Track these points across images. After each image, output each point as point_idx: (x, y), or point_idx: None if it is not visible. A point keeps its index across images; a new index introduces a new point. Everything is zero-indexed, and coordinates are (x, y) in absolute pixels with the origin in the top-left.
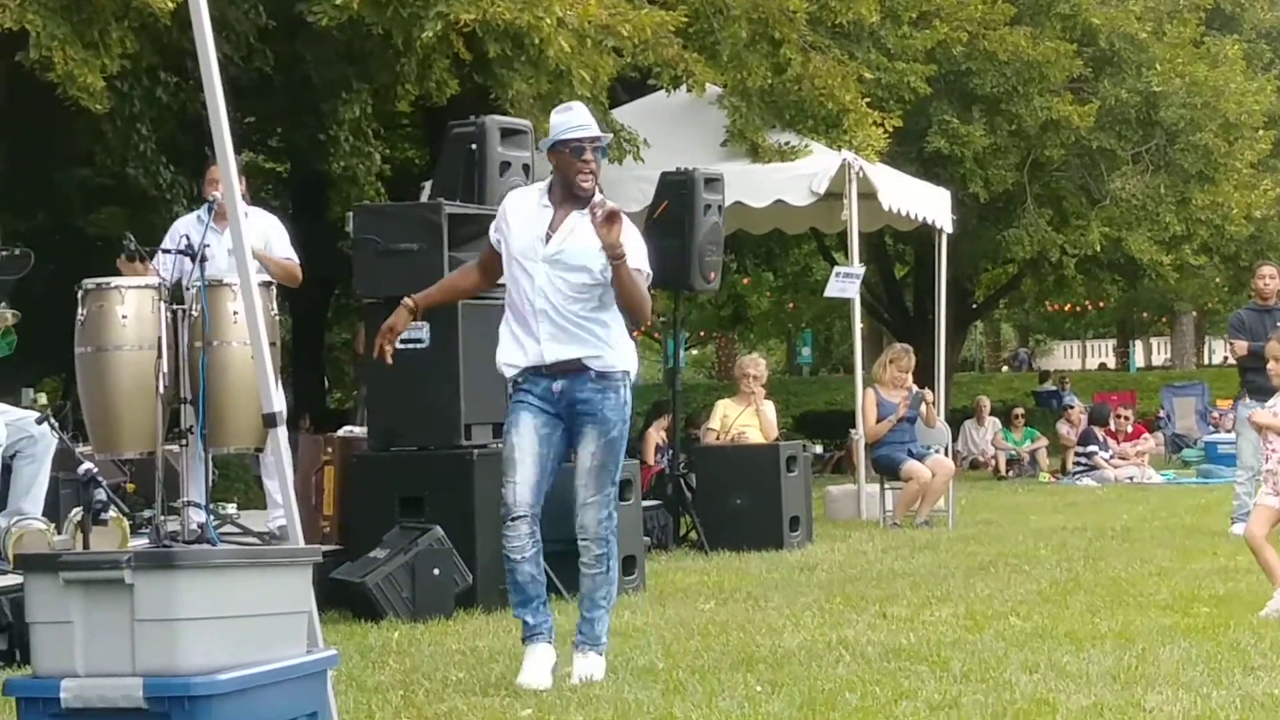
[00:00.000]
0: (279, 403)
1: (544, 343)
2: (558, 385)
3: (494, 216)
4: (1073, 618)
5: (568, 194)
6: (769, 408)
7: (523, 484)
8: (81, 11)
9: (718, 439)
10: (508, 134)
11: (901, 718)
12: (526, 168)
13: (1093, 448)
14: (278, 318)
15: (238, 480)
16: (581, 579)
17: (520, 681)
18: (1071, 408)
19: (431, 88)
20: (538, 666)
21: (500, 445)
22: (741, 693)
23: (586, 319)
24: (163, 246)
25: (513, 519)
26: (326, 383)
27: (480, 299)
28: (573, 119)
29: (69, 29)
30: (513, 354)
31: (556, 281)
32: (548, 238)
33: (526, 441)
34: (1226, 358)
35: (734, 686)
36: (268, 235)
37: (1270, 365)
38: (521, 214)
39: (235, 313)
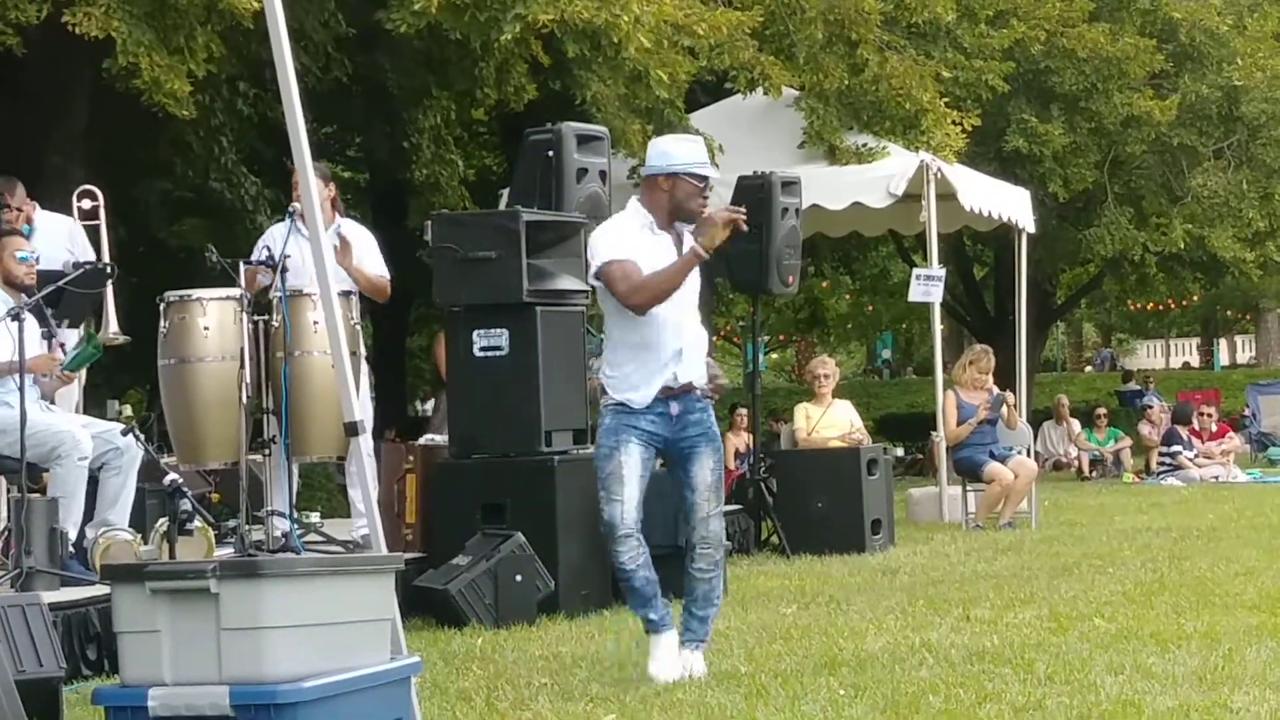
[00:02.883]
0: (360, 411)
1: (679, 365)
2: (675, 407)
3: (573, 223)
4: (1158, 619)
5: (672, 219)
6: (845, 406)
7: (629, 503)
8: (166, 17)
9: (808, 436)
10: (584, 140)
11: None
12: (603, 174)
13: (1177, 447)
14: (358, 326)
15: (321, 490)
16: (697, 583)
17: (653, 673)
18: (1151, 407)
19: (509, 93)
20: (668, 656)
21: (583, 452)
22: (824, 696)
23: (699, 338)
24: (250, 259)
25: (621, 536)
26: (408, 392)
27: (558, 305)
28: (702, 153)
29: (154, 35)
30: (641, 386)
31: (683, 304)
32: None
33: (635, 463)
34: None
35: (816, 690)
36: (360, 250)
37: None
38: (638, 244)
39: (316, 322)
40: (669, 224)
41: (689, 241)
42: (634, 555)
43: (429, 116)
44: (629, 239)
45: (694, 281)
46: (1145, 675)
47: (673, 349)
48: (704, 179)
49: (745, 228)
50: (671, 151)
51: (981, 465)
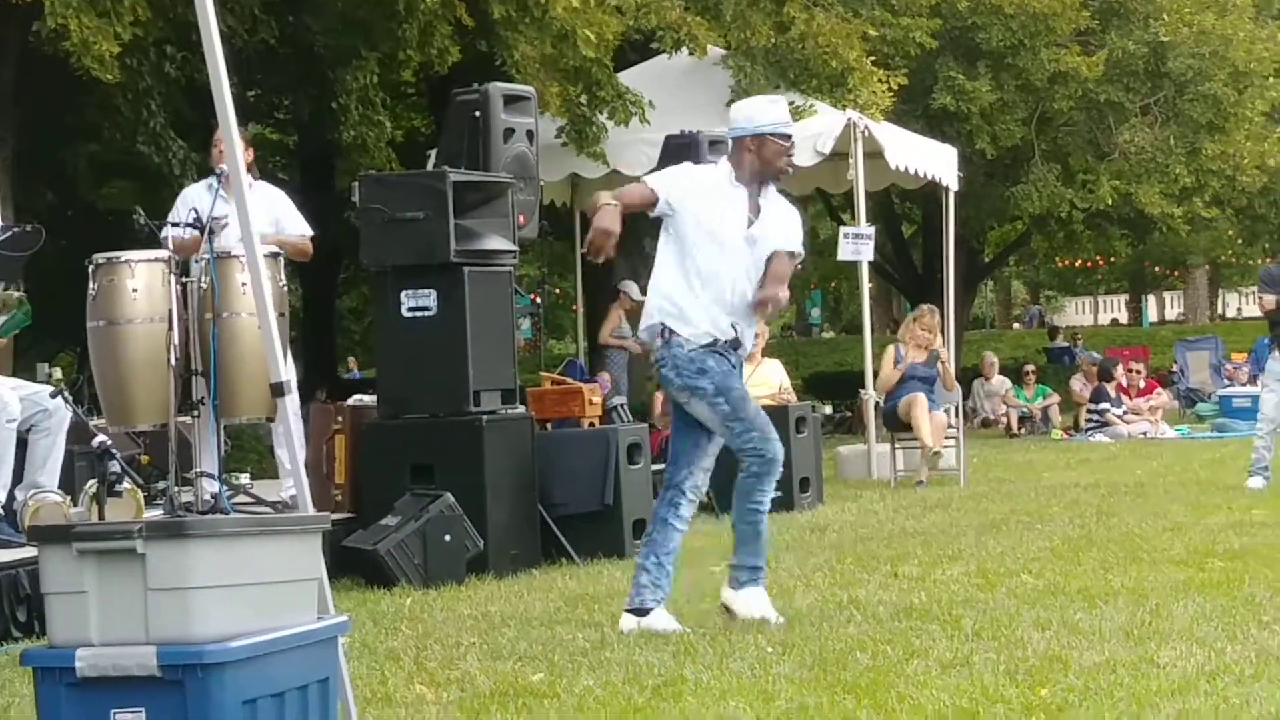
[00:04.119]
0: (286, 372)
1: (735, 317)
2: (732, 359)
3: (500, 183)
4: (1085, 574)
5: (754, 178)
6: (774, 366)
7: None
8: None
9: None
10: (511, 100)
11: (913, 677)
12: (530, 134)
13: (1105, 405)
14: (285, 288)
15: (251, 450)
16: (673, 534)
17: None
18: (1088, 361)
19: (433, 55)
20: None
21: (511, 411)
22: (753, 654)
23: (747, 304)
24: (171, 219)
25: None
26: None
27: (485, 265)
28: (785, 113)
29: None
30: (719, 321)
31: (748, 261)
32: (750, 220)
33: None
34: (1242, 309)
35: (745, 648)
36: (275, 211)
37: None
38: (710, 189)
39: (244, 284)
40: (751, 183)
41: (769, 206)
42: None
43: (356, 78)
44: (688, 189)
45: (750, 253)
46: (1072, 631)
47: (730, 301)
48: (788, 137)
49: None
50: (756, 115)
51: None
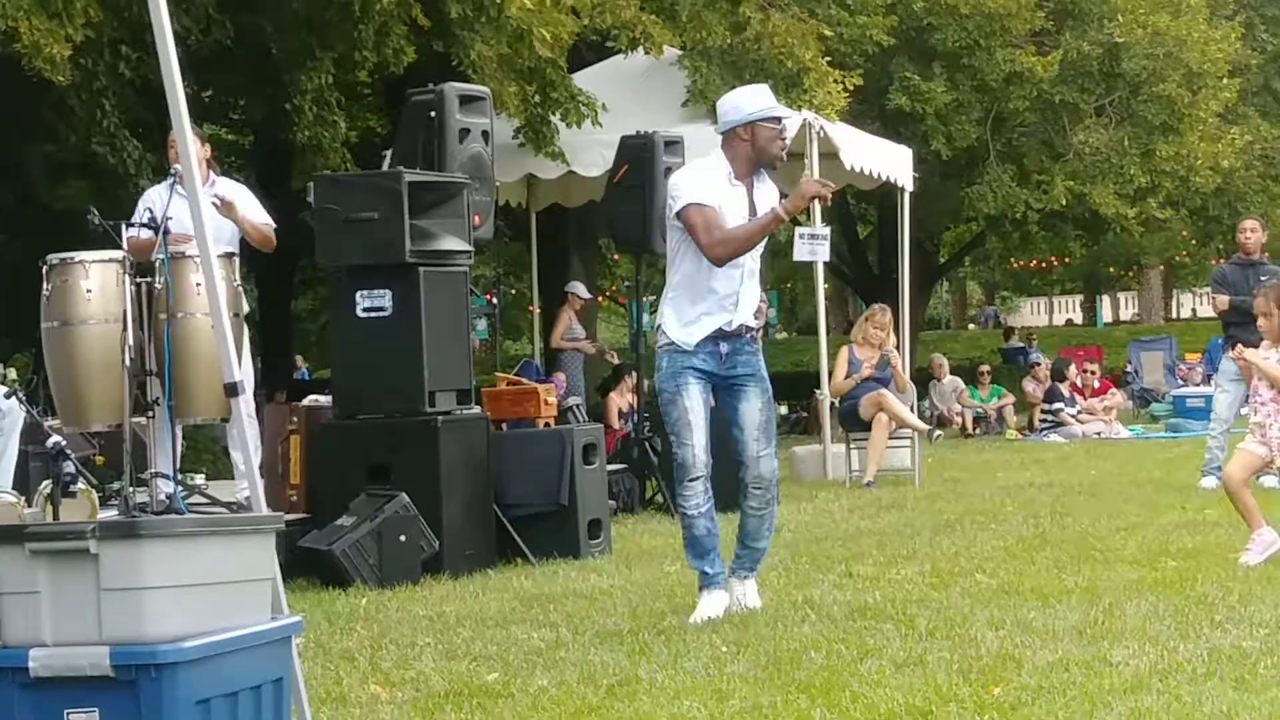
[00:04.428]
0: (239, 373)
1: (736, 310)
2: (725, 347)
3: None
4: (1039, 574)
5: (750, 167)
6: None
7: (699, 446)
8: None
9: None
10: (466, 100)
11: (867, 676)
12: (486, 134)
13: (1058, 405)
14: (240, 288)
15: (206, 451)
16: (749, 519)
17: (691, 621)
18: (1038, 364)
19: (389, 55)
20: (716, 609)
21: (467, 412)
22: (707, 653)
23: (755, 285)
24: (131, 220)
25: (691, 479)
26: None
27: (441, 265)
28: (770, 98)
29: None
30: (694, 326)
31: (750, 252)
32: (753, 212)
33: (698, 405)
34: (1196, 310)
35: (699, 647)
36: (240, 202)
37: (1260, 322)
38: (718, 191)
39: (198, 284)
40: (747, 174)
41: (763, 195)
42: (700, 501)
43: (311, 79)
44: (713, 186)
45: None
46: (1025, 630)
47: (733, 294)
48: (779, 120)
49: (829, 201)
50: (743, 104)
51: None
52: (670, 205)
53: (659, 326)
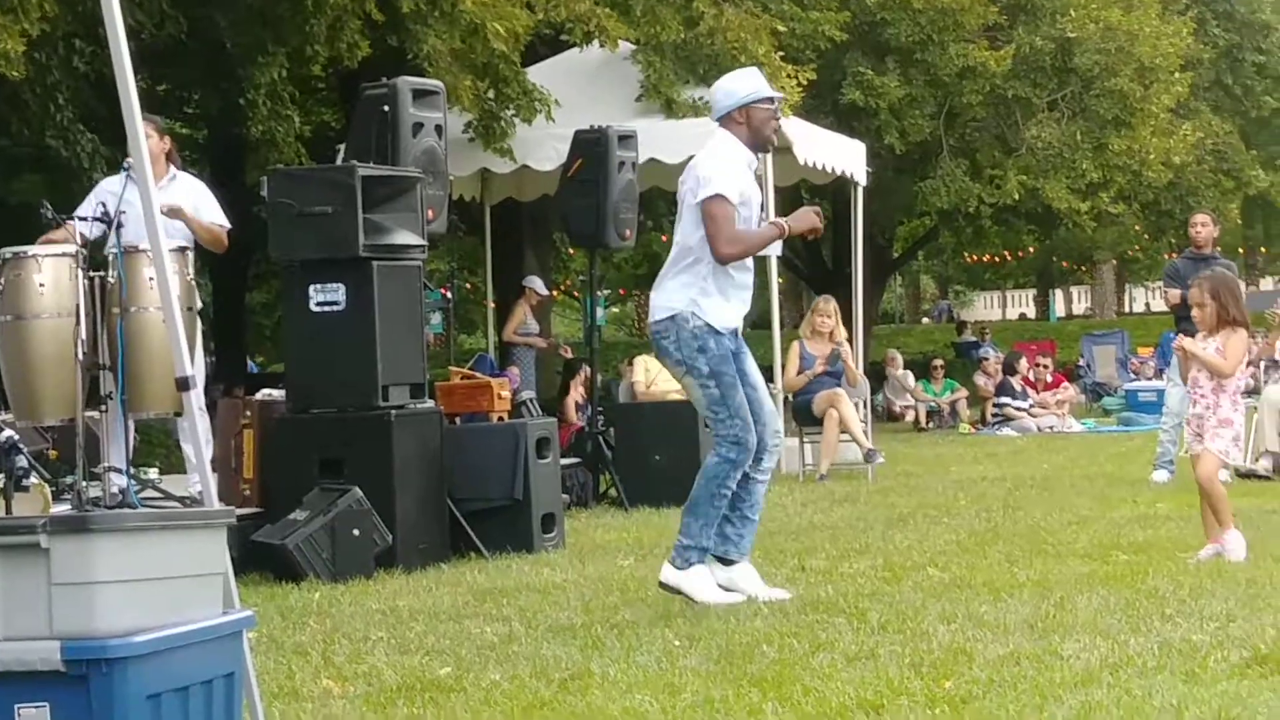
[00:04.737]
0: (191, 367)
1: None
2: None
3: (409, 177)
4: (991, 568)
5: (752, 148)
6: None
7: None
8: None
9: (646, 389)
10: (420, 95)
11: (818, 669)
12: (439, 128)
13: (1006, 399)
14: (194, 282)
15: (160, 445)
16: (757, 486)
17: (762, 595)
18: (987, 359)
19: (343, 49)
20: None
21: (420, 406)
22: (660, 648)
23: None
24: (78, 212)
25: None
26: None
27: (394, 259)
28: (760, 79)
29: None
30: (730, 311)
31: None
32: (761, 203)
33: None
34: (1149, 304)
35: (652, 642)
36: (197, 201)
37: (1194, 312)
38: (745, 182)
39: (152, 278)
40: (750, 150)
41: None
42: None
43: (264, 73)
44: (741, 178)
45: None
46: (977, 624)
47: (751, 283)
48: (772, 100)
49: (819, 235)
50: (736, 88)
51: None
52: (697, 188)
53: (678, 309)
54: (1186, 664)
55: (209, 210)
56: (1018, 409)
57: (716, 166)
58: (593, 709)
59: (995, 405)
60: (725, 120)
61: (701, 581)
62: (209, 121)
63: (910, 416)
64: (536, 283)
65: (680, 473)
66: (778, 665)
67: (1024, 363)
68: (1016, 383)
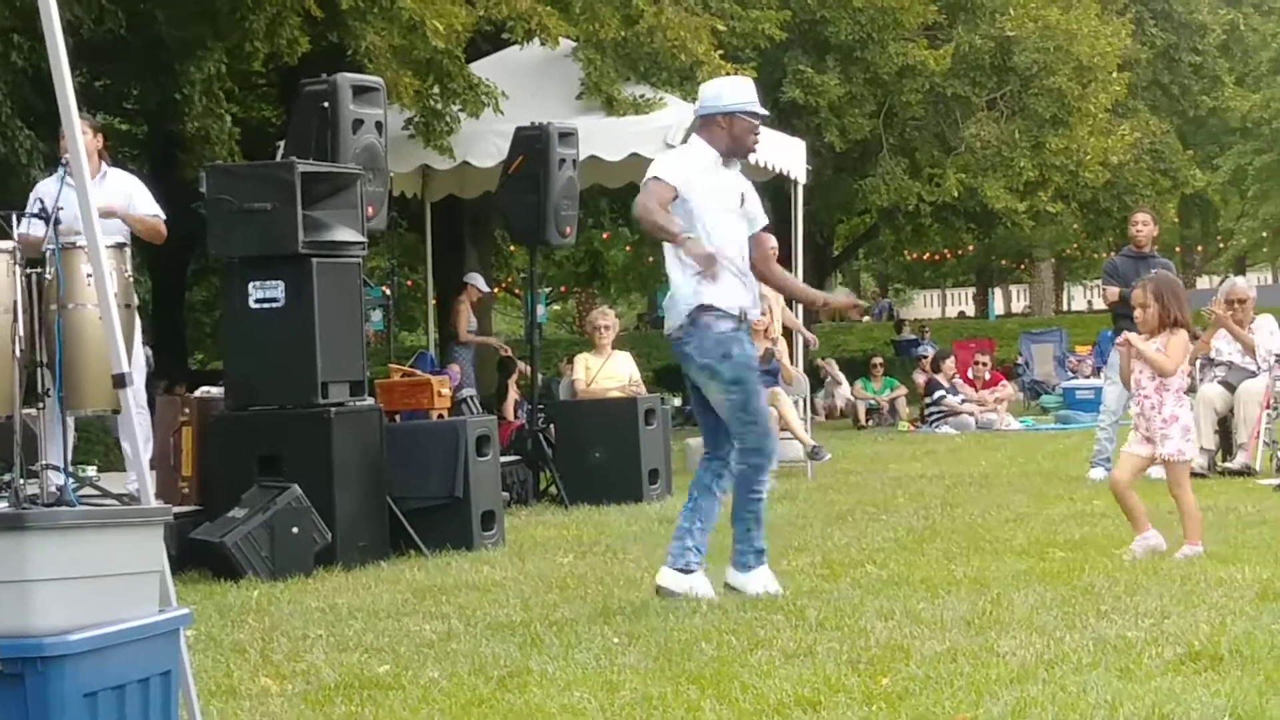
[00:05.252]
0: (128, 364)
1: (748, 286)
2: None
3: (349, 174)
4: (928, 565)
5: (728, 155)
6: (624, 358)
7: None
8: None
9: (587, 386)
10: (360, 91)
11: (756, 666)
12: (379, 125)
13: (940, 393)
14: (132, 279)
15: (98, 443)
16: (717, 505)
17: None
18: (926, 357)
19: (282, 45)
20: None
21: (360, 403)
22: (599, 645)
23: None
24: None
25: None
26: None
27: (334, 256)
28: (753, 93)
29: None
30: (740, 293)
31: (742, 236)
32: (742, 197)
33: None
34: (1092, 302)
35: (591, 639)
36: (131, 195)
37: (1136, 313)
38: (711, 172)
39: (89, 275)
40: (728, 157)
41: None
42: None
43: (200, 69)
44: (690, 170)
45: (744, 229)
46: (914, 620)
47: (743, 270)
48: (757, 116)
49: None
50: (726, 93)
51: None
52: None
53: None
54: (1121, 660)
55: (143, 202)
56: (956, 402)
57: (666, 157)
58: (531, 706)
59: (929, 403)
60: (707, 121)
61: (765, 579)
62: (148, 117)
63: (843, 406)
64: (478, 279)
65: (620, 470)
66: (716, 663)
67: (951, 361)
68: (942, 379)
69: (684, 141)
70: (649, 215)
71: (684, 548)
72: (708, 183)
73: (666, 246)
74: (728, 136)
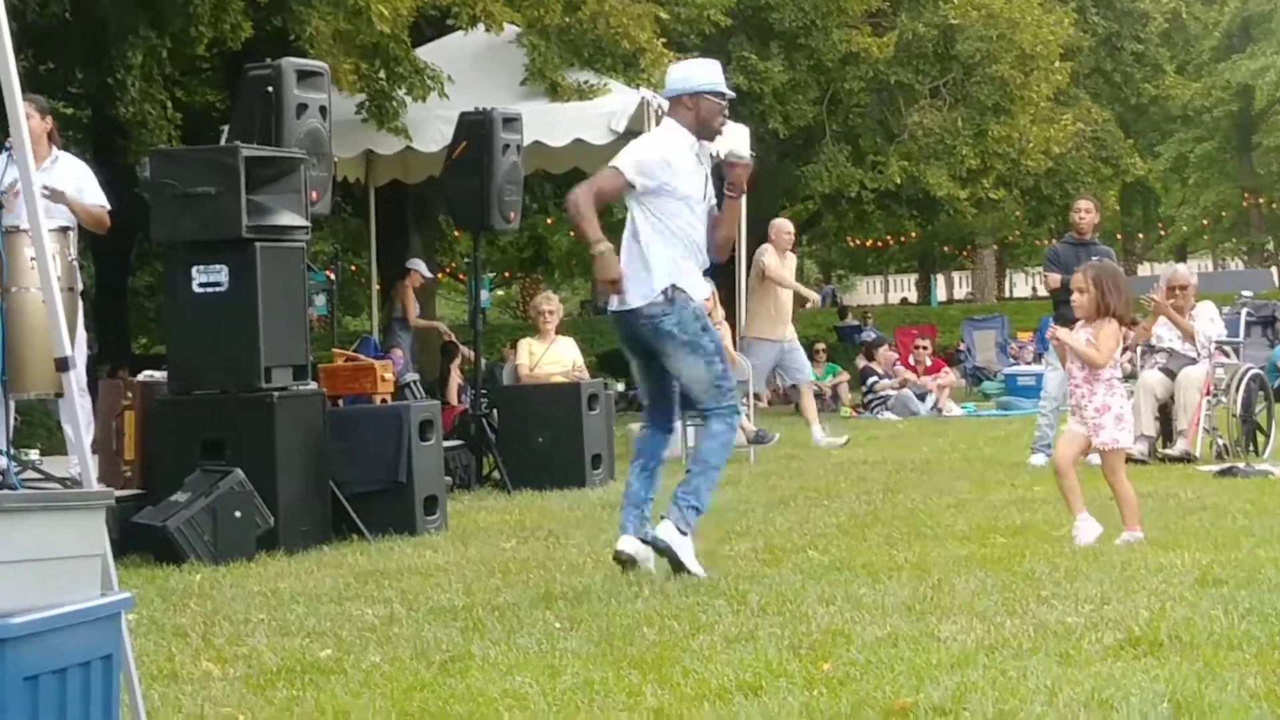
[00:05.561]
0: (70, 347)
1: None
2: None
3: (293, 158)
4: (870, 550)
5: (697, 136)
6: (568, 343)
7: None
8: None
9: (530, 371)
10: (304, 76)
11: (698, 651)
12: (323, 109)
13: (874, 379)
14: (76, 263)
15: (41, 426)
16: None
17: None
18: (867, 342)
19: (226, 30)
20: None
21: (303, 388)
22: (540, 629)
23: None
24: None
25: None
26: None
27: (277, 240)
28: (720, 74)
29: None
30: (700, 282)
31: (703, 222)
32: (705, 185)
33: None
34: (1035, 288)
35: (533, 624)
36: (80, 182)
37: (1074, 297)
38: (688, 161)
39: (33, 258)
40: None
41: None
42: None
43: (135, 54)
44: (675, 158)
45: (705, 215)
46: (856, 605)
47: (700, 260)
48: (724, 96)
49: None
50: (693, 75)
51: None
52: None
53: (674, 286)
54: (1061, 645)
55: (91, 192)
56: (891, 387)
57: (633, 144)
58: (473, 690)
59: (865, 390)
60: (674, 103)
61: (691, 550)
62: (90, 101)
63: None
64: (420, 265)
65: (563, 455)
66: (658, 647)
67: (886, 349)
68: (876, 366)
69: (625, 129)
70: (576, 211)
71: (682, 508)
72: (679, 177)
73: (640, 214)
74: (695, 118)
